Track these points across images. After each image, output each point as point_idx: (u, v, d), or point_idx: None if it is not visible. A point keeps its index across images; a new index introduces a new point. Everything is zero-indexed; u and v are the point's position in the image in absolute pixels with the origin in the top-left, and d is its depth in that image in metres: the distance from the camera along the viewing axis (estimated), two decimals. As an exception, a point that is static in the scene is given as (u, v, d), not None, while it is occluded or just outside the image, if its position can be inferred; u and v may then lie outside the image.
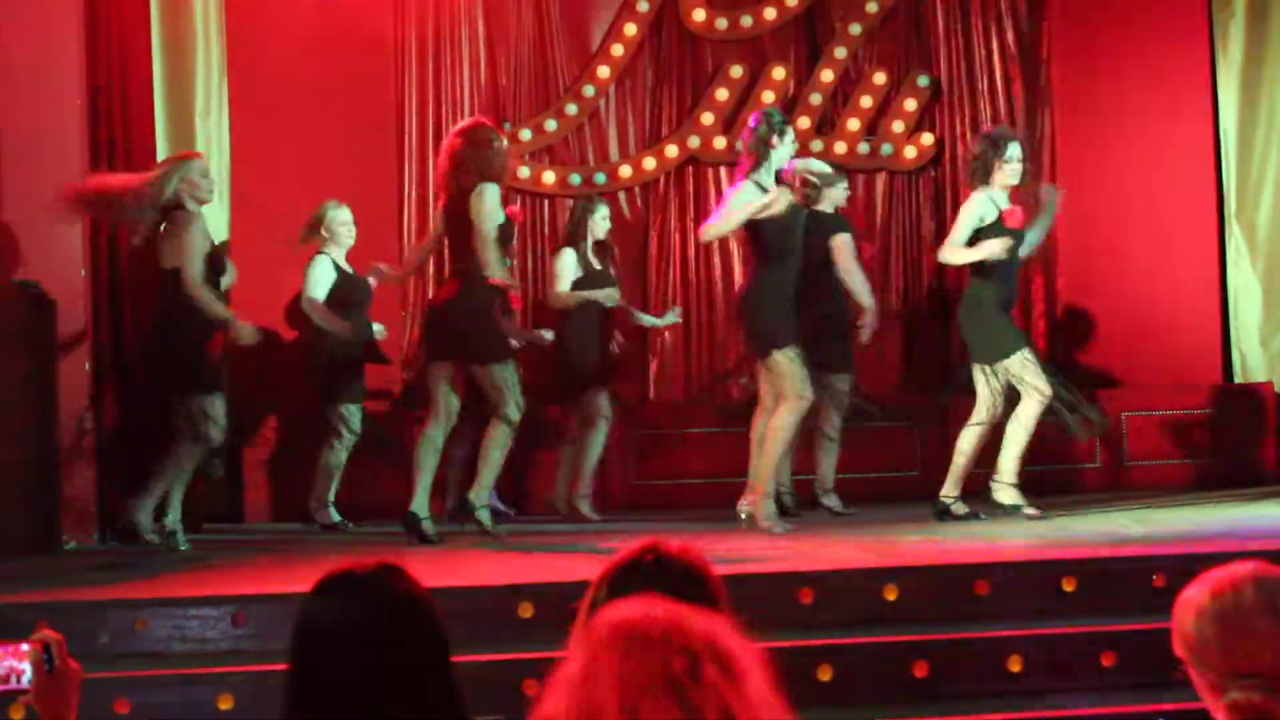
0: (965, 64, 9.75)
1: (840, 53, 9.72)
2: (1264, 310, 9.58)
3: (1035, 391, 7.18)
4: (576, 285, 8.10)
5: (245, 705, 4.68)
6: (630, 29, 9.56)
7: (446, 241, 7.29)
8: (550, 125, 9.48)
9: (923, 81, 9.75)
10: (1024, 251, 7.65)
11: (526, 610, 5.08)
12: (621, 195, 9.55)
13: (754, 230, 7.09)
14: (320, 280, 7.97)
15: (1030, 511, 7.18)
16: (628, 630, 1.62)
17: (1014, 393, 7.27)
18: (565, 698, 1.60)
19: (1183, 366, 9.31)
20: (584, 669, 1.61)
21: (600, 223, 8.21)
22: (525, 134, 9.40)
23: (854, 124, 9.70)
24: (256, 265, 8.20)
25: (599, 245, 8.24)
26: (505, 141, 7.18)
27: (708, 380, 9.58)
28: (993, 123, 9.32)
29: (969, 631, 5.14)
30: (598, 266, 8.19)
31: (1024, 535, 6.53)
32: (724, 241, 9.25)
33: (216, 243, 7.49)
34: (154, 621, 5.13)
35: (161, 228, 6.97)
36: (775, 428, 6.95)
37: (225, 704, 4.70)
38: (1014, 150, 7.33)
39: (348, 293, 8.05)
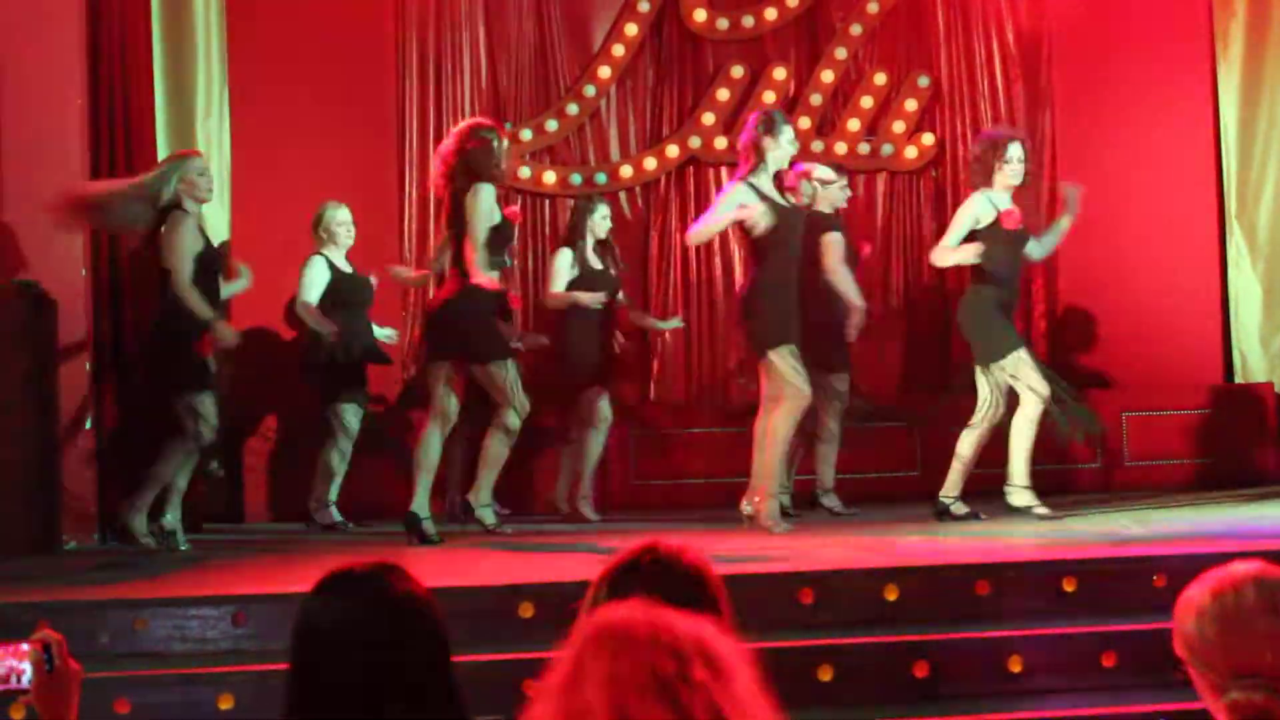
0: (966, 64, 9.76)
1: (841, 53, 9.72)
2: (1264, 311, 9.58)
3: (1032, 392, 7.18)
4: (574, 285, 8.08)
5: (245, 705, 4.67)
6: (631, 29, 9.57)
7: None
8: (551, 125, 9.48)
9: (923, 82, 9.75)
10: (1042, 252, 7.63)
11: (527, 610, 5.08)
12: (622, 195, 9.55)
13: (757, 229, 7.08)
14: (314, 282, 7.97)
15: (1041, 511, 7.18)
16: (615, 632, 1.62)
17: (1014, 394, 7.27)
18: (554, 702, 1.60)
19: (1183, 367, 9.31)
20: (572, 673, 1.60)
21: (600, 222, 8.20)
22: (526, 134, 9.40)
23: (854, 124, 9.70)
24: (257, 265, 8.20)
25: (600, 244, 8.23)
26: (505, 142, 7.16)
27: (709, 380, 9.58)
28: (993, 123, 9.33)
29: (969, 631, 5.13)
30: (599, 266, 8.18)
31: (1024, 535, 6.52)
32: (724, 241, 9.26)
33: (217, 243, 7.50)
34: (154, 621, 5.13)
35: (162, 229, 6.97)
36: (773, 427, 6.95)
37: (225, 704, 4.70)
38: (1014, 151, 7.32)
39: (345, 292, 8.05)
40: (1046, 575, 5.43)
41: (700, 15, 9.59)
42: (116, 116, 7.88)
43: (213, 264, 7.09)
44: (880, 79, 9.73)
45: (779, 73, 9.65)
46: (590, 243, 8.18)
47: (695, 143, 9.55)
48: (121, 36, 7.96)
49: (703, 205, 9.36)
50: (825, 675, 4.89)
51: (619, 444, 8.62)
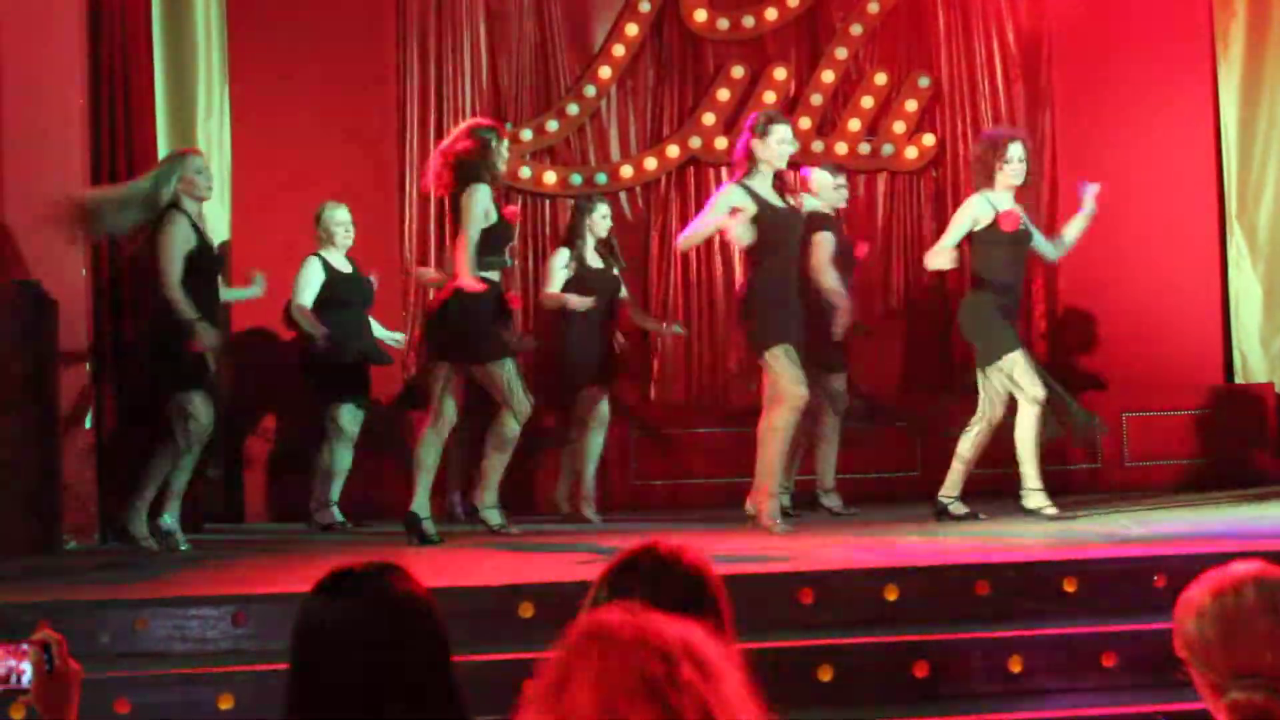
0: (966, 64, 9.76)
1: (841, 53, 9.72)
2: (1264, 311, 9.59)
3: (1025, 395, 7.18)
4: (572, 285, 8.07)
5: (246, 705, 4.67)
6: (632, 29, 9.57)
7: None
8: (552, 125, 9.48)
9: (923, 82, 9.75)
10: (1059, 252, 7.60)
11: (527, 610, 5.08)
12: (623, 195, 9.56)
13: (754, 231, 7.08)
14: (308, 283, 7.97)
15: (1050, 512, 7.17)
16: (602, 635, 1.62)
17: (1014, 396, 7.27)
18: (543, 707, 1.60)
19: (1183, 367, 9.31)
20: (560, 677, 1.60)
21: (600, 221, 8.19)
22: (526, 134, 9.40)
23: (855, 124, 9.71)
24: (257, 265, 8.20)
25: (602, 244, 8.23)
26: (505, 142, 7.15)
27: (709, 380, 9.58)
28: (993, 123, 9.33)
29: (969, 632, 5.13)
30: (599, 265, 8.17)
31: (1024, 535, 6.52)
32: (725, 241, 9.25)
33: (218, 243, 7.49)
34: (154, 621, 5.12)
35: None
36: (771, 427, 6.94)
37: (226, 704, 4.70)
38: (1014, 150, 7.31)
39: (343, 292, 8.04)
40: (1046, 575, 5.42)
41: (701, 15, 9.59)
42: (117, 117, 7.88)
43: (210, 264, 7.08)
44: (881, 79, 9.73)
45: (779, 73, 9.66)
46: (590, 242, 8.17)
47: (696, 143, 9.55)
48: (122, 36, 7.97)
49: (703, 205, 9.36)
50: (825, 675, 4.89)
51: (619, 444, 8.62)
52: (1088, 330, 9.52)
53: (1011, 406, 7.26)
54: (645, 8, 9.57)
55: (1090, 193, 7.42)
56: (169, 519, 7.00)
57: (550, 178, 9.47)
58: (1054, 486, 7.47)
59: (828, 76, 9.71)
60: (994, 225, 7.28)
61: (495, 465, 7.02)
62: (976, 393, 7.36)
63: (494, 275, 7.03)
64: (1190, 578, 2.42)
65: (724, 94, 9.60)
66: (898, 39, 9.81)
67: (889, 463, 8.83)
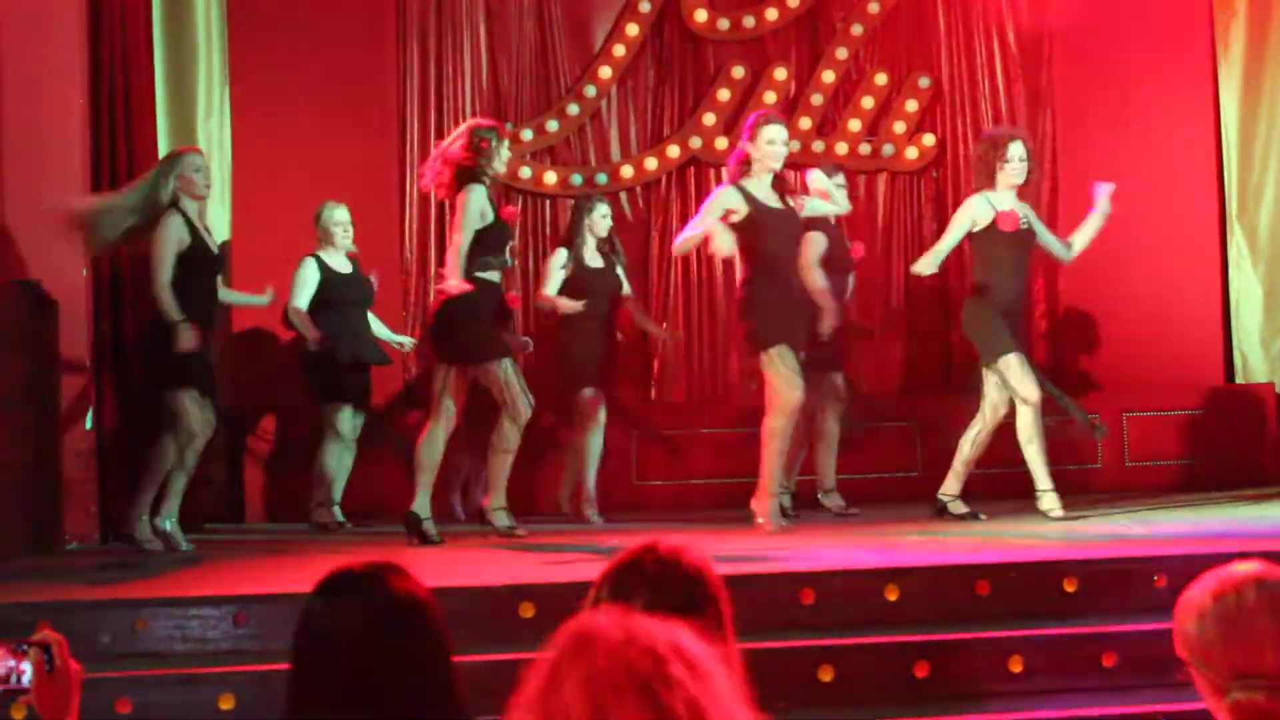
0: (966, 65, 9.77)
1: (841, 53, 9.73)
2: (1265, 312, 9.59)
3: (1019, 397, 7.17)
4: (571, 285, 8.06)
5: (246, 705, 4.67)
6: (632, 29, 9.57)
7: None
8: (552, 125, 9.48)
9: (924, 82, 9.75)
10: (1071, 252, 7.55)
11: (528, 610, 5.08)
12: (623, 195, 9.55)
13: (743, 233, 7.08)
14: (305, 283, 7.97)
15: (1056, 514, 7.17)
16: (589, 636, 1.61)
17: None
18: (533, 711, 1.59)
19: (1184, 368, 9.31)
20: (548, 679, 1.60)
21: (600, 221, 8.19)
22: (527, 134, 9.40)
23: (855, 124, 9.71)
24: (257, 265, 8.21)
25: (603, 243, 8.22)
26: (506, 143, 7.14)
27: (710, 381, 9.58)
28: (994, 124, 9.33)
29: (970, 632, 5.13)
30: (599, 265, 8.17)
31: (1025, 535, 6.53)
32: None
33: (218, 242, 7.48)
34: (155, 621, 5.12)
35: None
36: (767, 428, 6.95)
37: (226, 704, 4.70)
38: (1015, 150, 7.31)
39: (341, 292, 8.03)
40: (1046, 575, 5.42)
41: (701, 15, 9.59)
42: (117, 117, 7.88)
43: (206, 264, 7.04)
44: (881, 79, 9.73)
45: (780, 73, 9.65)
46: (591, 242, 8.17)
47: (696, 143, 9.55)
48: (122, 37, 7.96)
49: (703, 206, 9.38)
50: (825, 675, 4.89)
51: (620, 445, 8.62)
52: (1088, 330, 9.52)
53: (1014, 407, 7.25)
54: (646, 8, 9.57)
55: (1104, 192, 7.38)
56: (168, 523, 7.00)
57: (551, 178, 9.47)
58: (1054, 486, 7.46)
59: (828, 77, 9.71)
60: (993, 225, 7.27)
61: (500, 468, 7.00)
62: (976, 393, 7.37)
63: (494, 276, 7.03)
64: (1190, 578, 2.41)
65: (724, 94, 9.60)
66: (898, 39, 9.81)
67: (889, 463, 8.83)
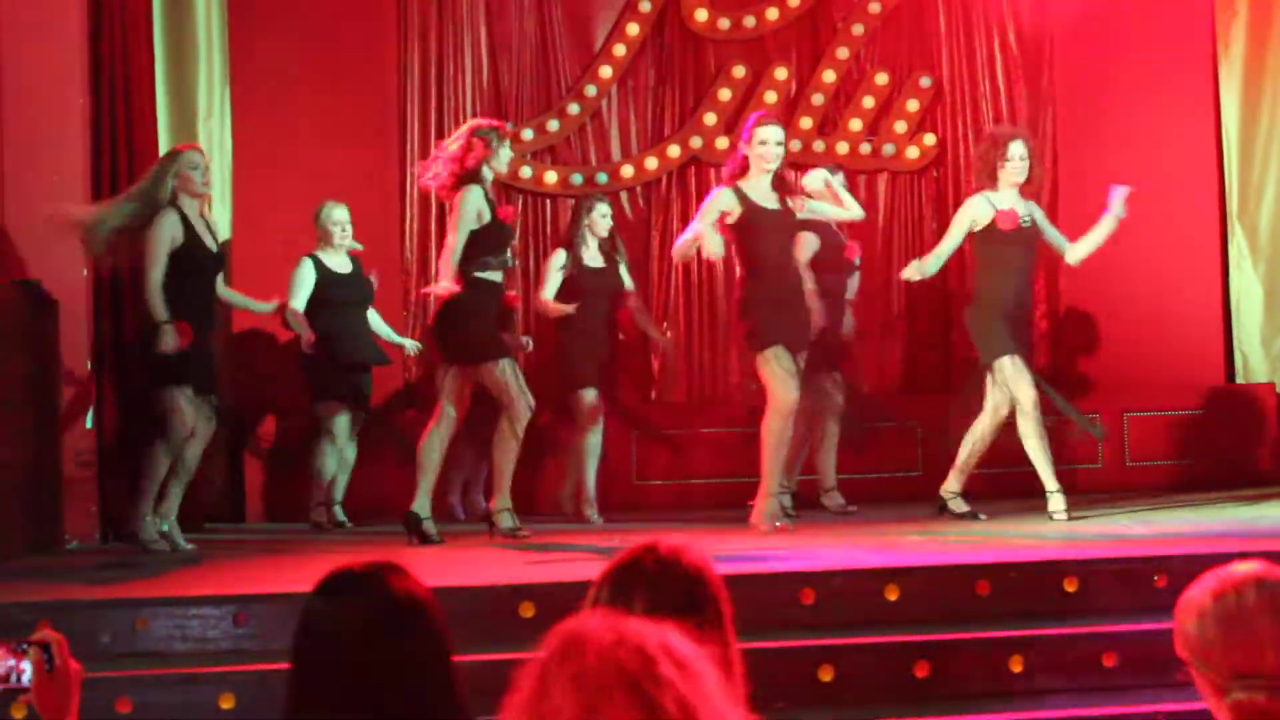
0: (967, 65, 9.77)
1: (842, 53, 9.72)
2: (1265, 312, 9.59)
3: (1016, 399, 7.17)
4: (570, 285, 8.06)
5: (246, 705, 4.67)
6: (633, 29, 9.57)
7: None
8: (552, 125, 9.48)
9: (925, 82, 9.75)
10: (1079, 255, 7.48)
11: (528, 610, 5.09)
12: (624, 195, 9.55)
13: (739, 234, 7.09)
14: (300, 284, 7.97)
15: (1060, 516, 7.16)
16: (578, 637, 1.61)
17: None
18: (523, 714, 1.59)
19: (1184, 367, 9.31)
20: (538, 682, 1.59)
21: (600, 220, 8.18)
22: (527, 134, 9.40)
23: (856, 124, 9.71)
24: (257, 265, 8.20)
25: (605, 243, 8.21)
26: (507, 142, 7.13)
27: (710, 380, 9.58)
28: (995, 123, 9.32)
29: (970, 631, 5.13)
30: (599, 265, 8.16)
31: (1025, 535, 6.53)
32: (726, 242, 9.25)
33: (219, 241, 7.47)
34: (155, 621, 5.12)
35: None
36: (764, 429, 6.95)
37: (226, 703, 4.70)
38: (1015, 149, 7.31)
39: (339, 292, 8.02)
40: (1046, 575, 5.42)
41: (702, 15, 9.59)
42: (118, 116, 7.88)
43: (203, 262, 7.00)
44: (882, 79, 9.73)
45: (780, 73, 9.65)
46: (592, 242, 8.16)
47: (697, 143, 9.55)
48: (123, 36, 7.96)
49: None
50: (825, 675, 4.89)
51: (620, 445, 8.62)
52: (1088, 330, 9.51)
53: (1015, 408, 7.25)
54: (646, 7, 9.57)
55: (1120, 196, 7.32)
56: (165, 525, 6.99)
57: (551, 177, 9.47)
58: (1061, 487, 7.46)
59: (829, 76, 9.70)
60: (993, 225, 7.27)
61: (504, 469, 6.98)
62: (977, 392, 7.37)
63: (494, 276, 7.03)
64: (1190, 578, 2.41)
65: (725, 94, 9.60)
66: (899, 39, 9.81)
67: (889, 463, 8.83)
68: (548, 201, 9.53)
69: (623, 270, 8.27)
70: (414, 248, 9.19)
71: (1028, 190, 7.51)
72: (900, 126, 9.72)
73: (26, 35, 7.41)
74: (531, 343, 8.30)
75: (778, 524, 6.99)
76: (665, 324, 9.37)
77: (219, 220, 8.58)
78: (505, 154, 7.08)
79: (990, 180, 7.34)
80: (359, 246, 8.24)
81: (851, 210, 7.55)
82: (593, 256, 8.17)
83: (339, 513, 8.07)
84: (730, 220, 7.03)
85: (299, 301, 7.94)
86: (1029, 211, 7.38)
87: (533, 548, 6.71)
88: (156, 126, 8.32)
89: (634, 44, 9.58)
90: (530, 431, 7.13)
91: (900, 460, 8.88)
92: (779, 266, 7.13)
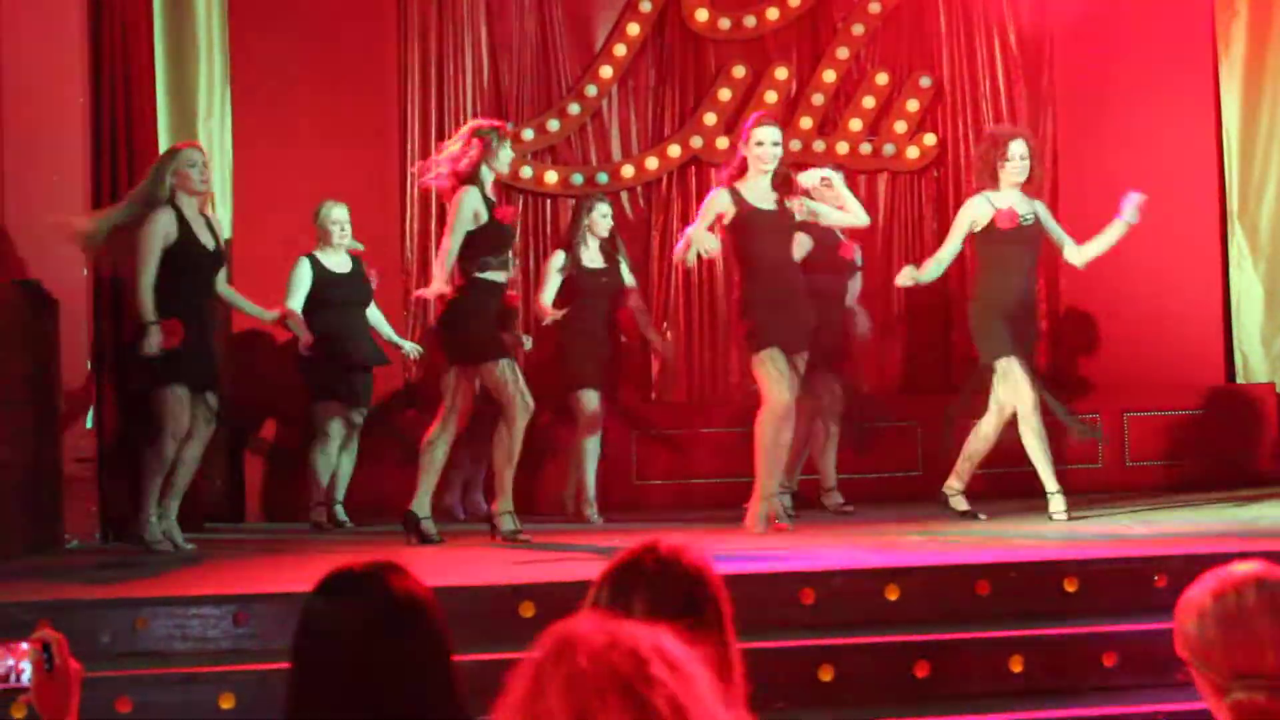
0: (967, 65, 9.76)
1: (843, 53, 9.72)
2: (1266, 312, 9.59)
3: (1015, 401, 7.17)
4: (570, 286, 8.06)
5: (247, 705, 4.67)
6: (633, 29, 9.56)
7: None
8: (553, 125, 9.48)
9: (925, 82, 9.75)
10: (1085, 257, 7.46)
11: (528, 610, 5.09)
12: (624, 195, 9.55)
13: (735, 235, 7.09)
14: (297, 285, 7.96)
15: (1059, 517, 7.17)
16: (571, 640, 1.61)
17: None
18: (516, 716, 1.59)
19: (1184, 367, 9.31)
20: (531, 684, 1.59)
21: (600, 220, 8.18)
22: (528, 134, 9.40)
23: (856, 124, 9.71)
24: (257, 265, 8.20)
25: (605, 243, 8.21)
26: (508, 143, 7.12)
27: (710, 380, 9.58)
28: (995, 123, 9.32)
29: (970, 631, 5.13)
30: (599, 265, 8.16)
31: (1025, 535, 6.53)
32: (724, 242, 9.26)
33: (220, 240, 7.46)
34: (155, 621, 5.12)
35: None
36: (757, 431, 6.96)
37: (227, 703, 4.70)
38: (1016, 148, 7.31)
39: (337, 292, 8.02)
40: (1047, 575, 5.43)
41: (702, 15, 9.59)
42: (118, 116, 7.88)
43: (198, 261, 6.98)
44: (882, 79, 9.73)
45: (781, 72, 9.65)
46: (593, 242, 8.16)
47: (697, 143, 9.55)
48: (123, 36, 7.96)
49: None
50: (825, 675, 4.89)
51: (620, 445, 8.62)
52: (1088, 330, 9.51)
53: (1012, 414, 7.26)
54: (646, 7, 9.56)
55: (1133, 203, 7.27)
56: (165, 524, 6.98)
57: (551, 177, 9.47)
58: (1061, 488, 7.46)
59: (829, 76, 9.70)
60: (993, 224, 7.27)
61: (503, 471, 6.96)
62: (979, 392, 7.37)
63: (495, 276, 7.01)
64: (1190, 578, 2.41)
65: (725, 94, 9.60)
66: (899, 39, 9.80)
67: (889, 463, 8.83)
68: (548, 201, 9.53)
69: (624, 270, 8.26)
70: (414, 248, 9.19)
71: (1029, 190, 7.50)
72: (900, 126, 9.72)
73: (27, 35, 7.40)
74: (531, 341, 8.30)
75: (776, 523, 7.00)
76: (665, 324, 9.37)
77: (219, 220, 8.58)
78: (506, 154, 7.07)
79: (991, 180, 7.34)
80: (360, 246, 8.24)
81: (856, 216, 7.45)
82: (593, 257, 8.16)
83: (340, 512, 8.07)
84: (726, 221, 7.04)
85: (296, 302, 7.93)
86: (1032, 209, 7.37)
87: (532, 547, 6.71)
88: (156, 126, 8.32)
89: (634, 44, 9.58)
90: (530, 432, 7.13)
91: (900, 460, 8.89)
92: (776, 267, 7.13)
